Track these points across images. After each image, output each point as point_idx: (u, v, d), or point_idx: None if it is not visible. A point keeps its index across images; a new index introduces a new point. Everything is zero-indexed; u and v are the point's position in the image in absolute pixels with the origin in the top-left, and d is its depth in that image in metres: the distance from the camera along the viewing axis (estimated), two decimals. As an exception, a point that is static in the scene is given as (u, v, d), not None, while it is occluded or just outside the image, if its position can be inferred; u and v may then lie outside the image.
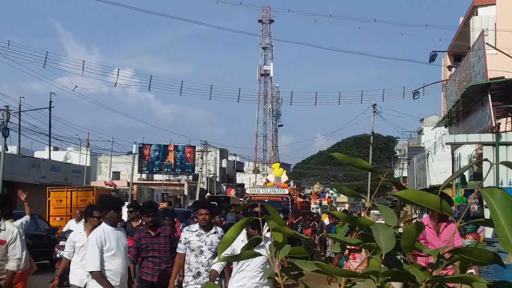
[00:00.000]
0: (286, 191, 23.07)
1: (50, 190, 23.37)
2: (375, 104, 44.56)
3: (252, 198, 22.30)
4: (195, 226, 6.98)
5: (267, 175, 30.75)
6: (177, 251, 7.02)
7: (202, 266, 6.78)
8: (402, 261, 1.25)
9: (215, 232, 6.93)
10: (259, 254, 1.57)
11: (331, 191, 45.94)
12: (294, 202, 23.39)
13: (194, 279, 6.78)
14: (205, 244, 6.81)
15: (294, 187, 27.79)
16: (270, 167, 34.43)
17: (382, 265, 1.25)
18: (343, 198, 76.23)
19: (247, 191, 25.33)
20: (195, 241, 6.84)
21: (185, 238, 6.89)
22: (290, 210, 21.07)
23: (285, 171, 28.44)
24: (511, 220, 1.00)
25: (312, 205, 32.07)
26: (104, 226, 6.35)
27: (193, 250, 6.81)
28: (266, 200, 21.36)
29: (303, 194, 31.99)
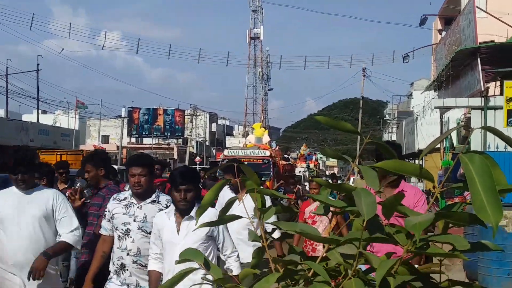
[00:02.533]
0: (268, 153, 21.53)
1: (39, 154, 23.30)
2: (365, 68, 44.49)
3: (231, 160, 20.62)
4: (125, 193, 4.69)
5: (247, 135, 28.22)
6: (100, 232, 4.77)
7: (128, 255, 4.50)
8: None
9: (153, 202, 4.59)
10: (240, 217, 1.55)
11: (319, 155, 45.87)
12: (276, 164, 22.01)
13: (117, 276, 4.55)
14: (134, 220, 4.52)
15: (277, 149, 25.82)
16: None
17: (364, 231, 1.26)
18: (332, 162, 76.64)
19: (225, 152, 22.86)
20: (120, 215, 4.57)
21: (108, 211, 4.65)
22: (272, 173, 20.09)
23: (266, 131, 26.22)
24: (487, 186, 1.00)
25: (299, 168, 30.54)
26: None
27: (116, 229, 4.56)
28: (246, 163, 20.00)
29: (287, 156, 30.10)
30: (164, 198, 4.64)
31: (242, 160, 20.13)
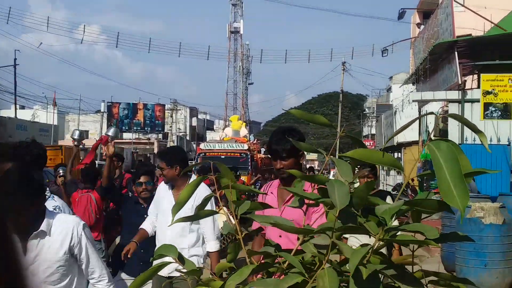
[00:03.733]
0: (246, 147, 20.64)
1: None
2: (345, 62, 44.64)
3: (207, 154, 19.63)
4: None
5: (223, 129, 26.74)
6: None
7: None
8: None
9: None
10: (216, 212, 1.57)
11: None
12: (254, 158, 21.05)
13: None
14: None
15: (255, 142, 24.82)
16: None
17: (337, 221, 1.27)
18: (312, 156, 76.93)
19: (201, 146, 21.87)
20: None
21: None
22: (250, 167, 19.34)
23: (244, 123, 25.19)
24: (454, 172, 1.01)
25: None
26: None
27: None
28: (223, 157, 19.04)
29: (265, 150, 29.27)
30: None
31: (219, 154, 19.38)
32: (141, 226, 5.12)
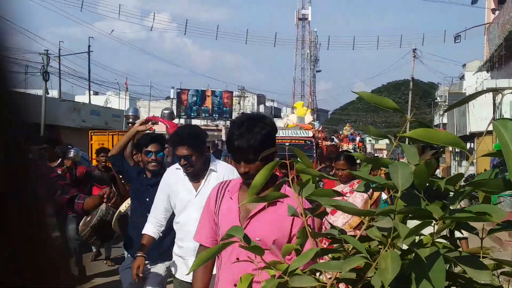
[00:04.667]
0: (310, 134, 20.09)
1: (92, 134, 23.81)
2: (415, 49, 43.53)
3: (277, 141, 18.94)
4: None
5: (287, 116, 25.93)
6: None
7: None
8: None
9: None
10: (286, 195, 1.60)
11: (368, 137, 45.02)
12: (320, 146, 20.46)
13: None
14: None
15: (320, 129, 23.94)
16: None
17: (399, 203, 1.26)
18: (381, 144, 75.73)
19: None
20: None
21: None
22: (315, 155, 18.72)
23: (309, 110, 24.45)
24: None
25: (345, 149, 28.69)
26: None
27: None
28: (287, 144, 17.71)
29: (332, 137, 28.27)
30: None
31: (283, 141, 18.54)
32: (144, 231, 4.34)
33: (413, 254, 1.22)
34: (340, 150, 26.67)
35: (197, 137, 4.12)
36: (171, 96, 53.01)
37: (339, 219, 5.12)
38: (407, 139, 1.49)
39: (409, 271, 1.19)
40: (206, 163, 4.09)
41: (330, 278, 1.47)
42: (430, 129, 1.20)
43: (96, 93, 53.08)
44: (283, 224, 2.52)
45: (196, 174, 4.06)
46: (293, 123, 22.24)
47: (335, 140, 28.22)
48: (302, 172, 1.58)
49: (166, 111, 7.30)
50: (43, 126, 25.91)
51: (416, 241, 1.25)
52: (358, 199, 5.10)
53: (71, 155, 7.28)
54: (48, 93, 28.78)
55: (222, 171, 4.05)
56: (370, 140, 53.18)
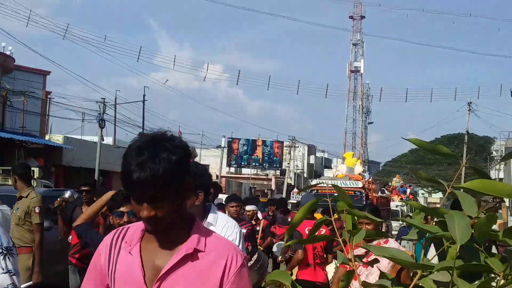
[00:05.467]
0: (360, 184, 19.82)
1: None
2: (470, 102, 42.88)
3: (320, 191, 18.13)
4: None
5: (337, 166, 25.60)
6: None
7: None
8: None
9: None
10: (330, 237, 1.55)
11: (421, 191, 44.03)
12: (370, 197, 20.11)
13: None
14: None
15: (370, 180, 23.27)
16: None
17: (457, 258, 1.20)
18: (435, 198, 73.87)
19: (313, 183, 20.86)
20: None
21: None
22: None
23: (359, 160, 24.18)
24: None
25: (396, 202, 27.51)
26: None
27: None
28: (335, 194, 18.15)
29: (383, 189, 27.44)
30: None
31: (332, 191, 19.09)
32: None
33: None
34: (391, 202, 25.99)
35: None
36: (222, 145, 53.54)
37: (373, 275, 4.41)
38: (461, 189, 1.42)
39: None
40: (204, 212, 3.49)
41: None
42: (487, 180, 1.15)
43: (149, 141, 54.17)
44: (208, 280, 1.84)
45: None
46: (343, 173, 21.93)
47: (386, 192, 27.42)
48: (349, 213, 1.52)
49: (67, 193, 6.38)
50: (97, 172, 26.51)
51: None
52: (384, 260, 4.30)
53: (66, 195, 6.54)
54: (103, 140, 29.58)
55: (222, 225, 3.49)
56: (423, 194, 51.90)
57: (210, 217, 3.48)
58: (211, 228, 2.97)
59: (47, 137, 29.55)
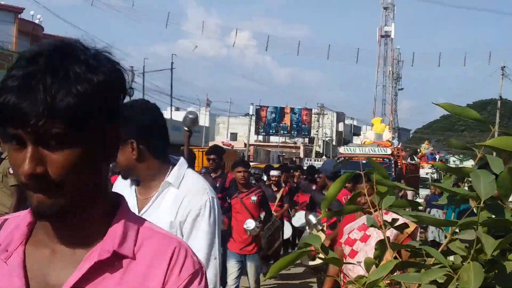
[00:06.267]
0: (389, 151, 19.03)
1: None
2: (504, 66, 41.96)
3: (347, 159, 17.68)
4: None
5: (365, 133, 24.97)
6: None
7: None
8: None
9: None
10: (363, 209, 1.58)
11: (452, 158, 43.40)
12: (399, 164, 19.35)
13: None
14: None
15: (399, 146, 22.45)
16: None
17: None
18: (466, 166, 72.91)
19: (341, 150, 20.20)
20: None
21: None
22: (393, 173, 17.57)
23: (387, 127, 22.96)
24: None
25: (426, 170, 27.02)
26: None
27: None
28: (364, 162, 17.30)
29: (413, 155, 26.76)
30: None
31: (359, 158, 18.34)
32: None
33: (498, 267, 1.18)
34: (420, 169, 25.40)
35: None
36: (250, 113, 53.60)
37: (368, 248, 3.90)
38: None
39: (492, 284, 1.15)
40: (162, 170, 2.34)
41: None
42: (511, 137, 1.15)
43: (177, 109, 54.57)
44: None
45: (146, 186, 2.36)
46: (370, 140, 21.19)
47: (415, 159, 26.82)
48: (379, 183, 1.55)
49: (190, 116, 6.70)
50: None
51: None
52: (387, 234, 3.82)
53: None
54: (133, 109, 29.86)
55: (186, 190, 2.31)
56: (454, 161, 51.23)
57: (173, 175, 2.33)
58: (171, 190, 2.30)
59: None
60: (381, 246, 1.58)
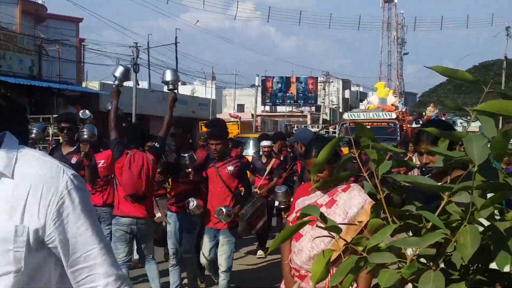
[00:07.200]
0: (393, 115, 18.80)
1: (202, 125, 24.53)
2: (508, 27, 41.40)
3: (351, 125, 16.96)
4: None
5: (368, 97, 24.42)
6: None
7: None
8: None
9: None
10: (356, 172, 1.58)
11: (459, 120, 43.10)
12: (404, 128, 18.94)
13: None
14: None
15: (404, 110, 22.07)
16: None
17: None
18: (473, 127, 72.69)
19: (344, 116, 19.91)
20: None
21: None
22: (398, 137, 17.23)
23: (391, 90, 22.86)
24: None
25: None
26: None
27: None
28: (368, 127, 16.79)
29: (418, 119, 26.73)
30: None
31: (364, 124, 18.04)
32: None
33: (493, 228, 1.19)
34: None
35: None
36: (256, 84, 53.40)
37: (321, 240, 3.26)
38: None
39: (489, 245, 1.16)
40: None
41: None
42: (505, 101, 1.14)
43: (183, 83, 54.45)
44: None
45: None
46: (374, 105, 20.93)
47: (421, 122, 26.72)
48: (370, 147, 1.50)
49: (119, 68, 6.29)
50: (134, 116, 26.93)
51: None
52: (354, 207, 3.37)
53: (85, 136, 6.04)
54: (138, 84, 29.83)
55: (31, 178, 1.56)
56: (461, 123, 50.90)
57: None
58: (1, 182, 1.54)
59: (83, 84, 29.92)
60: (376, 209, 1.58)
